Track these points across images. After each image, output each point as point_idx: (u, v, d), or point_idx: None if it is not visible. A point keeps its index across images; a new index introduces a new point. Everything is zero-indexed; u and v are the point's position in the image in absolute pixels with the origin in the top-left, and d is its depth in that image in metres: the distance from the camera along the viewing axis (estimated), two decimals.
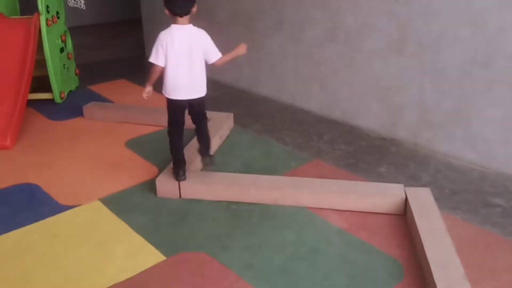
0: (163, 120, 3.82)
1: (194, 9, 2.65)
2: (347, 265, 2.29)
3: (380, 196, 2.68)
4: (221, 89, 4.79)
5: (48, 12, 4.18)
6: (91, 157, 3.39)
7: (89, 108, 4.04)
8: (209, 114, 3.80)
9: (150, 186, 2.96)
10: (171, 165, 2.94)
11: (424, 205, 2.55)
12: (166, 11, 2.66)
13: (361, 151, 3.43)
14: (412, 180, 2.99)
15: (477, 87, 3.06)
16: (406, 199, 2.62)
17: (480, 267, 2.22)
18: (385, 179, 3.02)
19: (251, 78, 4.72)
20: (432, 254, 2.16)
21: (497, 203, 2.74)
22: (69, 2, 4.44)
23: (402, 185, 2.72)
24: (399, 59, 3.44)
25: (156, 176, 2.95)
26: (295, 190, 2.79)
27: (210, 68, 5.44)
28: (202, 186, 2.86)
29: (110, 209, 2.76)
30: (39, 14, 4.10)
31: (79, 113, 4.06)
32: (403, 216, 2.62)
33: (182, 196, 2.86)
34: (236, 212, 2.73)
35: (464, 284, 2.00)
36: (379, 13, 3.47)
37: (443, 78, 3.23)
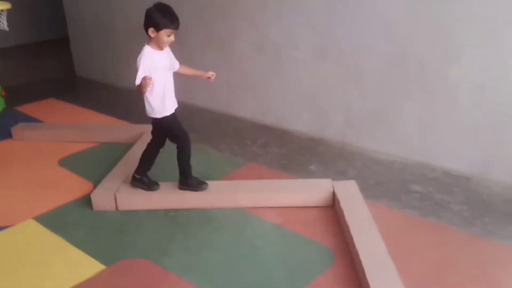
0: (94, 136, 3.83)
1: (149, 31, 2.63)
2: (283, 256, 2.42)
3: (310, 191, 2.85)
4: None
5: None
6: (23, 178, 3.30)
7: (18, 129, 3.93)
8: (143, 127, 3.88)
9: (86, 201, 2.95)
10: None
11: (350, 196, 2.75)
12: None
13: (293, 153, 3.60)
14: (340, 175, 3.19)
15: (395, 88, 3.34)
16: (334, 192, 2.80)
17: (403, 246, 2.42)
18: (315, 176, 3.20)
19: (185, 90, 4.79)
20: (358, 238, 2.34)
21: (416, 190, 3.00)
22: None
23: (329, 180, 2.91)
24: (323, 66, 3.67)
25: (92, 191, 2.94)
26: (231, 193, 2.89)
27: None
28: (139, 196, 2.88)
29: (46, 226, 2.72)
30: None
31: (7, 135, 3.94)
32: (332, 208, 2.80)
33: (118, 208, 2.87)
34: (174, 218, 2.79)
35: (388, 262, 2.18)
36: (302, 25, 3.69)
37: (364, 81, 3.48)
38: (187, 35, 4.55)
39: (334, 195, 2.80)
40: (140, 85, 2.55)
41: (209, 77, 2.99)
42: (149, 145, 2.93)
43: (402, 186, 3.04)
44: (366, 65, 3.43)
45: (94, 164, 3.46)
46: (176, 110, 2.82)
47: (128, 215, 2.83)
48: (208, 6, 4.29)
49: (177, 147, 2.84)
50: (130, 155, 3.38)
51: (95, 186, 3.07)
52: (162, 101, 2.70)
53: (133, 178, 2.92)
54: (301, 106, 3.90)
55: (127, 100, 5.00)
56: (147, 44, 2.66)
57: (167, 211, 2.85)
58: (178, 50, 4.77)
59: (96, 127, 3.97)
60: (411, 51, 3.19)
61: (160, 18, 2.58)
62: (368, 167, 3.32)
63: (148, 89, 2.57)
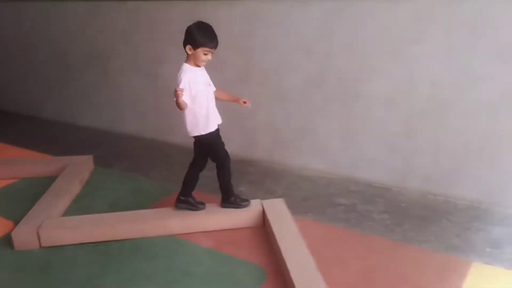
0: (14, 172, 3.62)
1: (187, 48, 2.64)
2: (217, 279, 2.43)
3: (241, 212, 2.89)
4: (82, 132, 4.70)
5: None
6: None
7: None
8: (66, 159, 3.76)
9: (6, 241, 2.79)
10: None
11: (279, 214, 2.82)
12: None
13: None
14: (269, 194, 3.27)
15: (316, 105, 3.51)
16: (264, 211, 2.87)
17: (330, 258, 2.52)
18: (246, 196, 3.23)
19: (112, 117, 4.72)
20: (287, 254, 2.41)
21: (341, 203, 3.14)
22: None
23: (259, 200, 2.97)
24: (247, 87, 3.77)
25: (13, 229, 2.80)
26: (162, 220, 2.87)
27: (69, 114, 5.31)
28: (64, 231, 2.78)
29: None
30: None
31: None
32: (263, 227, 2.86)
33: (42, 245, 2.75)
34: (104, 251, 2.71)
35: (316, 276, 2.26)
36: (226, 47, 3.78)
37: (288, 100, 3.63)
38: (112, 59, 4.51)
39: (264, 214, 2.87)
40: (177, 100, 2.57)
41: (244, 102, 2.90)
42: (191, 165, 2.91)
43: (328, 200, 3.17)
44: (288, 84, 3.58)
45: (15, 201, 3.29)
46: (219, 126, 2.82)
47: (53, 252, 2.71)
48: (134, 31, 4.28)
49: (217, 166, 2.86)
50: (54, 189, 3.26)
51: (15, 224, 2.91)
52: (206, 117, 2.71)
53: (178, 200, 2.91)
54: (229, 127, 3.94)
55: (49, 132, 4.83)
56: (185, 62, 2.68)
57: (96, 244, 2.77)
58: (103, 76, 4.72)
59: (15, 162, 3.79)
60: (329, 69, 3.38)
61: (199, 36, 2.61)
62: (296, 184, 3.43)
63: (182, 99, 2.57)
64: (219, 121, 2.83)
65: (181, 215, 2.90)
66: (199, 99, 2.67)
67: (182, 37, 3.98)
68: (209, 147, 2.80)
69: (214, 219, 2.87)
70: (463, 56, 2.91)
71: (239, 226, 2.87)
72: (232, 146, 3.95)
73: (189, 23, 3.97)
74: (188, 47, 2.63)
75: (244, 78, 3.77)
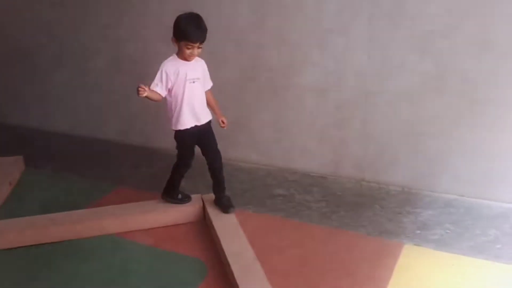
0: None
1: (171, 39, 2.53)
2: (156, 277, 2.41)
3: (180, 208, 2.87)
4: (10, 131, 4.45)
5: None
6: None
7: None
8: None
9: None
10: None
11: None
12: None
13: (162, 171, 3.53)
14: (209, 188, 3.23)
15: (249, 97, 3.53)
16: (204, 206, 2.87)
17: (269, 247, 2.57)
18: (186, 191, 3.21)
19: (42, 115, 4.50)
20: (227, 246, 2.43)
21: (280, 193, 3.20)
22: None
23: (199, 195, 2.96)
24: None
25: None
26: (98, 220, 2.79)
27: None
28: None
29: None
30: None
31: None
32: (204, 221, 2.86)
33: None
34: (36, 255, 2.60)
35: (256, 267, 2.30)
36: (159, 40, 3.71)
37: (222, 93, 3.61)
38: (36, 53, 4.29)
39: (204, 209, 2.86)
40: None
41: (222, 122, 2.84)
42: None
43: (266, 191, 3.22)
44: (221, 77, 3.53)
45: None
46: (200, 127, 2.69)
47: None
48: (58, 23, 4.09)
49: (175, 162, 2.83)
50: None
51: None
52: (178, 113, 2.60)
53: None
54: (165, 123, 3.90)
55: None
56: (176, 53, 2.58)
57: (27, 248, 2.65)
58: (27, 70, 4.47)
59: None
60: (261, 61, 3.41)
61: (182, 29, 2.47)
62: (235, 176, 3.45)
63: (145, 96, 2.46)
64: (200, 122, 2.68)
65: (118, 214, 2.83)
66: (174, 93, 2.57)
67: (111, 31, 3.87)
68: (177, 143, 2.74)
69: (154, 216, 2.83)
70: (384, 46, 3.04)
71: (180, 222, 2.85)
72: (170, 141, 3.90)
73: (118, 15, 3.88)
74: (172, 38, 2.52)
75: None
